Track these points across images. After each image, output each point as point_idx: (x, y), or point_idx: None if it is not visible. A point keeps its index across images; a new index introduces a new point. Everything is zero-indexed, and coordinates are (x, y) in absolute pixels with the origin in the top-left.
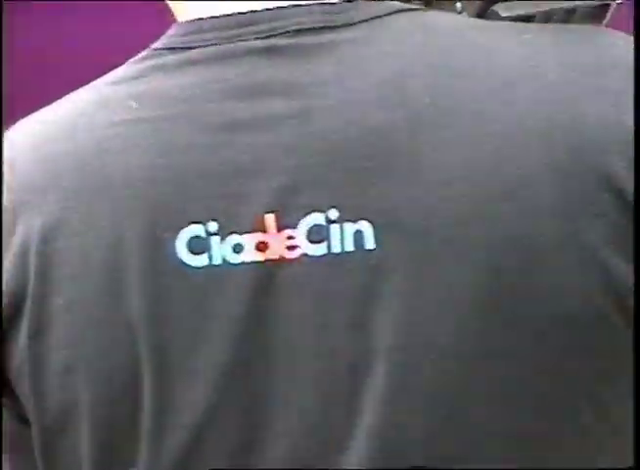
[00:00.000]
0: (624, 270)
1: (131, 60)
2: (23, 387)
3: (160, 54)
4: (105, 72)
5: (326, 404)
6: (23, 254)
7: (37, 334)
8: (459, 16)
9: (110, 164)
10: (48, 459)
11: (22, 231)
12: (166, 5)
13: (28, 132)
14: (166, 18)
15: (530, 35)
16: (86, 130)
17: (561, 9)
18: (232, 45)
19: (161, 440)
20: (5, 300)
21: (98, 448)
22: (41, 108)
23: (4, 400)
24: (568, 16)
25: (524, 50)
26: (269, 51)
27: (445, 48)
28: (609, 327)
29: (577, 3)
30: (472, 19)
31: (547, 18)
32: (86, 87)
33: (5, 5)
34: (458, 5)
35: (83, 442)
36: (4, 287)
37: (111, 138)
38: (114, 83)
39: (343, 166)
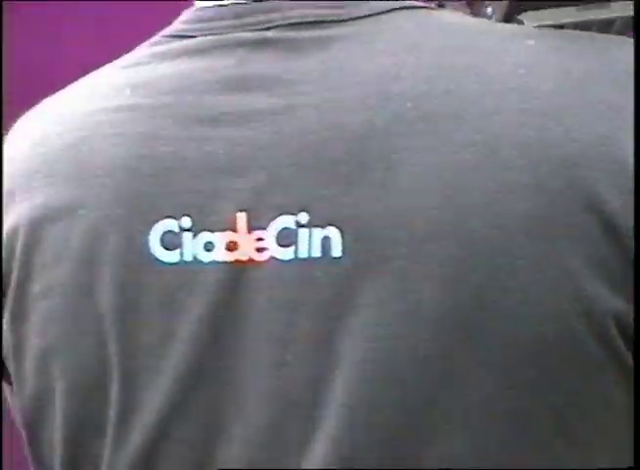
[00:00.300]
0: (605, 297)
1: (145, 43)
2: (11, 371)
3: (165, 41)
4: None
5: (283, 416)
6: (12, 239)
7: (17, 319)
8: (466, 17)
9: (95, 152)
10: (31, 449)
11: (13, 216)
12: (166, 8)
13: (33, 115)
14: (166, 21)
15: (534, 41)
16: (80, 115)
17: (598, 20)
18: (228, 36)
19: (125, 438)
20: None
21: (67, 442)
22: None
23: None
24: (607, 28)
25: (521, 57)
26: (261, 44)
27: (438, 50)
28: (584, 355)
29: (614, 15)
30: (480, 20)
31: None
32: (102, 68)
33: (5, 6)
34: (489, 10)
35: (56, 433)
36: None
37: (100, 124)
38: (123, 68)
39: (317, 169)
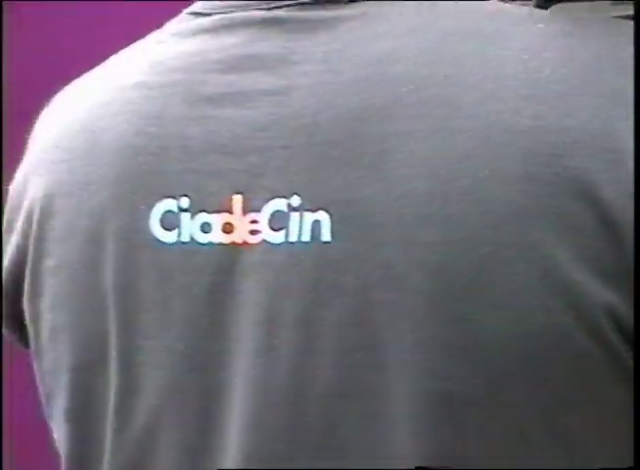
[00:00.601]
0: (596, 290)
1: (175, 19)
2: (32, 346)
3: (185, 19)
4: None
5: (269, 401)
6: (29, 214)
7: (34, 295)
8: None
9: (107, 129)
10: (48, 421)
11: (33, 191)
12: (166, 5)
13: (69, 89)
14: (166, 18)
15: (544, 25)
16: (100, 92)
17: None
18: (240, 14)
19: (125, 421)
20: (15, 260)
21: (72, 423)
22: (40, 108)
23: None
24: None
25: (528, 41)
26: (270, 23)
27: (442, 34)
28: (572, 349)
29: None
30: (492, 3)
31: None
32: (139, 42)
33: (5, 5)
34: None
35: (63, 414)
36: (15, 246)
37: (115, 102)
38: (157, 42)
39: (311, 151)
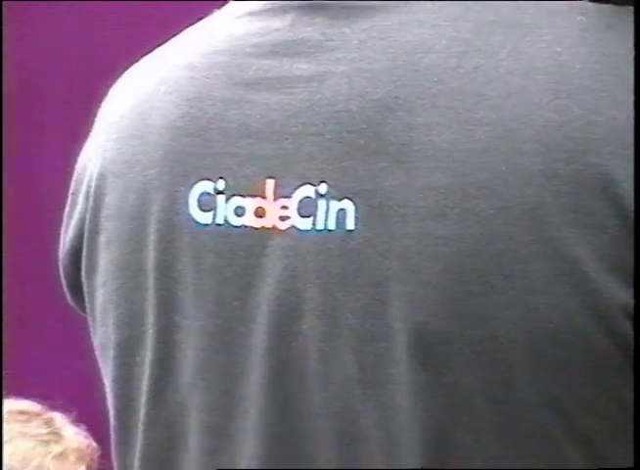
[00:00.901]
0: (615, 290)
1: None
2: (89, 318)
3: (238, 2)
4: (104, 73)
5: (291, 386)
6: (88, 191)
7: (90, 271)
8: None
9: (154, 109)
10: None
11: (90, 169)
12: (165, 8)
13: (134, 68)
14: (166, 19)
15: (585, 17)
16: (152, 73)
17: None
18: None
19: (159, 397)
20: (75, 234)
21: (116, 397)
22: (40, 108)
23: None
24: None
25: (563, 34)
26: (311, 9)
27: (477, 23)
28: (591, 351)
29: None
30: None
31: None
32: (194, 25)
33: (5, 6)
34: None
35: (109, 386)
36: (76, 220)
37: (164, 82)
38: (208, 24)
39: (340, 139)
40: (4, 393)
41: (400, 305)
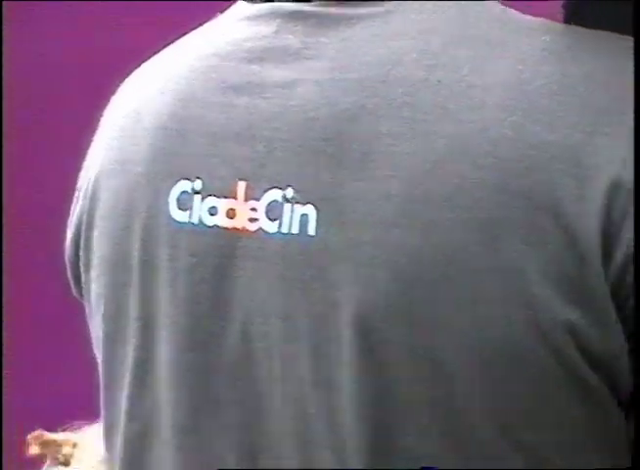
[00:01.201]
0: (558, 307)
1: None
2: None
3: (241, 5)
4: (104, 73)
5: (256, 388)
6: (87, 188)
7: (86, 265)
8: (499, 6)
9: (148, 110)
10: None
11: (91, 168)
12: (167, 9)
13: (134, 72)
14: (166, 19)
15: (550, 37)
16: (154, 73)
17: None
18: (274, 5)
19: (138, 392)
20: (75, 230)
21: (103, 389)
22: (40, 109)
23: None
24: None
25: (528, 52)
26: (295, 16)
27: (447, 36)
28: (533, 365)
29: None
30: (506, 10)
31: None
32: (200, 27)
33: (5, 6)
34: None
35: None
36: (76, 216)
37: (162, 83)
38: (210, 27)
39: (308, 145)
40: (4, 392)
41: (350, 311)
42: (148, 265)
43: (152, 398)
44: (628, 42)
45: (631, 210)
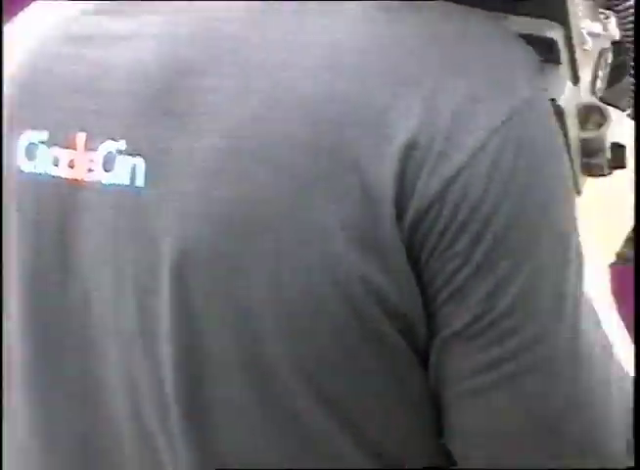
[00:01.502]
0: (352, 260)
1: None
2: None
3: None
4: None
5: (86, 335)
6: None
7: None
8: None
9: (8, 59)
10: None
11: None
12: None
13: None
14: None
15: (370, 2)
16: (19, 23)
17: None
18: None
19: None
20: None
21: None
22: None
23: None
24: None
25: (346, 15)
26: None
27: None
28: (331, 318)
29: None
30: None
31: None
32: None
33: (5, 5)
34: None
35: None
36: None
37: (19, 34)
38: None
39: (142, 99)
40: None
41: (169, 263)
42: (2, 214)
43: (7, 346)
44: (459, 11)
45: (425, 171)
